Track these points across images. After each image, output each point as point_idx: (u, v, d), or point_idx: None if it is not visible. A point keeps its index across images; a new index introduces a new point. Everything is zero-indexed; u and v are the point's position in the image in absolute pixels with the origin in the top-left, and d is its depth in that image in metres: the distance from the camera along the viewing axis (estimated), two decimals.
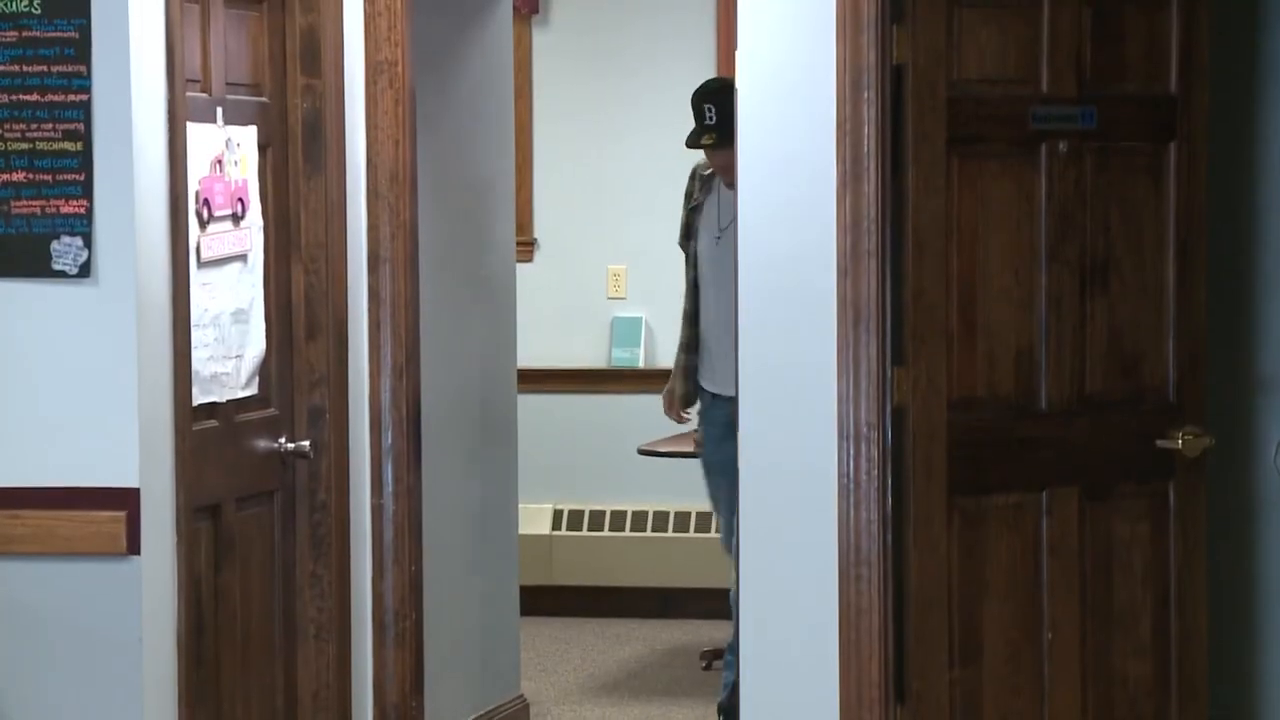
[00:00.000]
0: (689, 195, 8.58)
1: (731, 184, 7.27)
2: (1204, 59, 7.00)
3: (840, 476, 6.43)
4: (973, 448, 6.61)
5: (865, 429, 6.45)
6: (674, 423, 9.32)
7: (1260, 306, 7.72)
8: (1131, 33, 6.87)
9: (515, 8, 8.23)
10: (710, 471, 8.88)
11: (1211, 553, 7.19)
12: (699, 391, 8.90)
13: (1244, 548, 7.73)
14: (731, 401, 7.04)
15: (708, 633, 9.24)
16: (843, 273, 6.44)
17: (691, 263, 8.65)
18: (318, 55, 6.96)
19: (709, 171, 8.43)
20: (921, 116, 6.50)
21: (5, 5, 5.93)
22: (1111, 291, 6.84)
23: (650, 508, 7.60)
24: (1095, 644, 6.81)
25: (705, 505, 10.24)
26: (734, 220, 6.78)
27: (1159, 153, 6.92)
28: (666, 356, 10.24)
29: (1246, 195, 7.70)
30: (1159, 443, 6.84)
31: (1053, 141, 6.72)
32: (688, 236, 8.71)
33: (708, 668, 9.29)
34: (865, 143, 6.43)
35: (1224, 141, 7.43)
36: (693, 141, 8.40)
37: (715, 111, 7.94)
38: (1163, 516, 6.93)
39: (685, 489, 10.01)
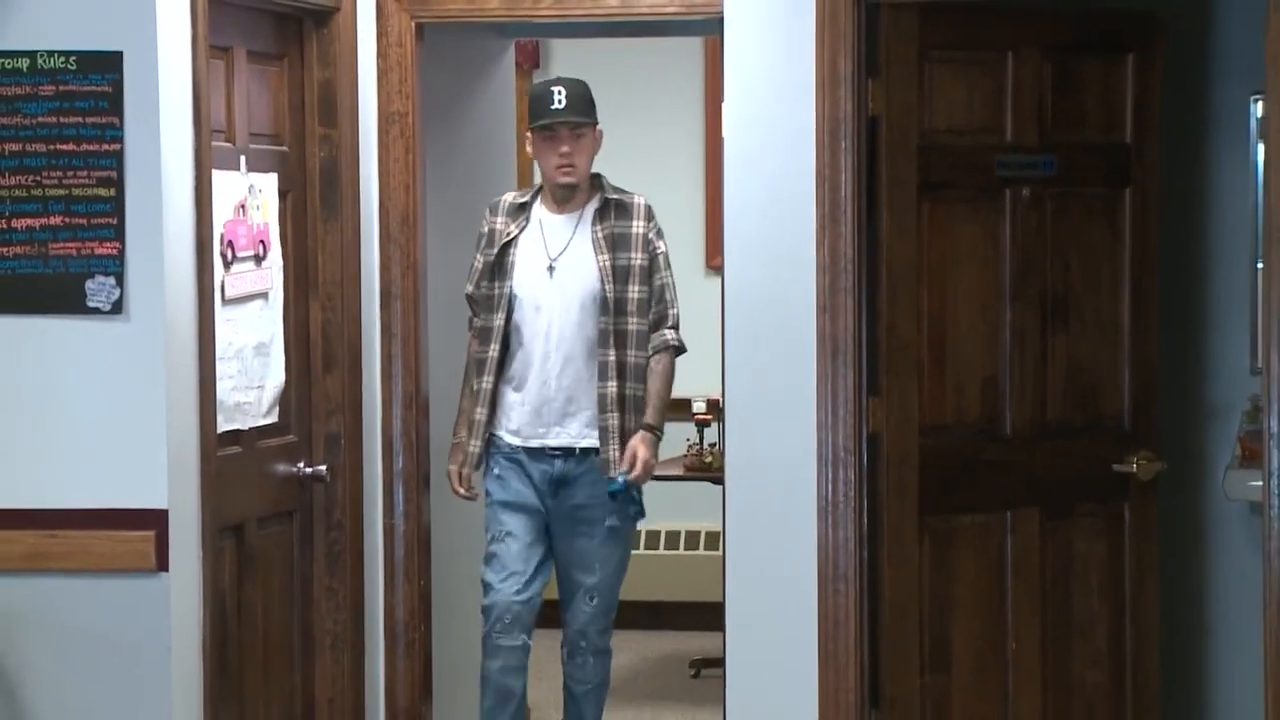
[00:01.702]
0: (492, 234, 6.85)
1: (572, 178, 6.66)
2: (1156, 110, 7.04)
3: (819, 498, 6.45)
4: (942, 471, 6.64)
5: (843, 454, 6.47)
6: (463, 497, 7.14)
7: (1209, 340, 7.71)
8: (1089, 85, 6.92)
9: (517, 63, 8.17)
10: (515, 510, 6.87)
11: (1163, 569, 7.23)
12: (493, 451, 6.95)
13: (1193, 564, 7.72)
14: (559, 456, 6.79)
15: (697, 643, 9.16)
16: (822, 309, 6.45)
17: (499, 306, 6.76)
18: (334, 107, 6.89)
19: (524, 199, 6.88)
20: (895, 164, 6.54)
21: (44, 62, 5.85)
22: (1071, 327, 6.88)
23: (643, 527, 7.36)
24: (1055, 653, 6.85)
25: (695, 524, 10.23)
26: (569, 245, 6.63)
27: (1114, 198, 6.98)
28: None
29: (1197, 237, 7.69)
30: (1115, 467, 6.90)
31: (1016, 188, 6.77)
32: (492, 278, 6.84)
33: (696, 675, 9.23)
34: (843, 189, 6.45)
35: (1175, 187, 7.45)
36: (541, 115, 6.66)
37: (565, 94, 6.61)
38: (1118, 535, 6.98)
39: (675, 509, 9.97)
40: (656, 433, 6.74)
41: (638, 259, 6.60)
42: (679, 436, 9.34)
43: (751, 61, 6.55)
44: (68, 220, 5.94)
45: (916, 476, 6.58)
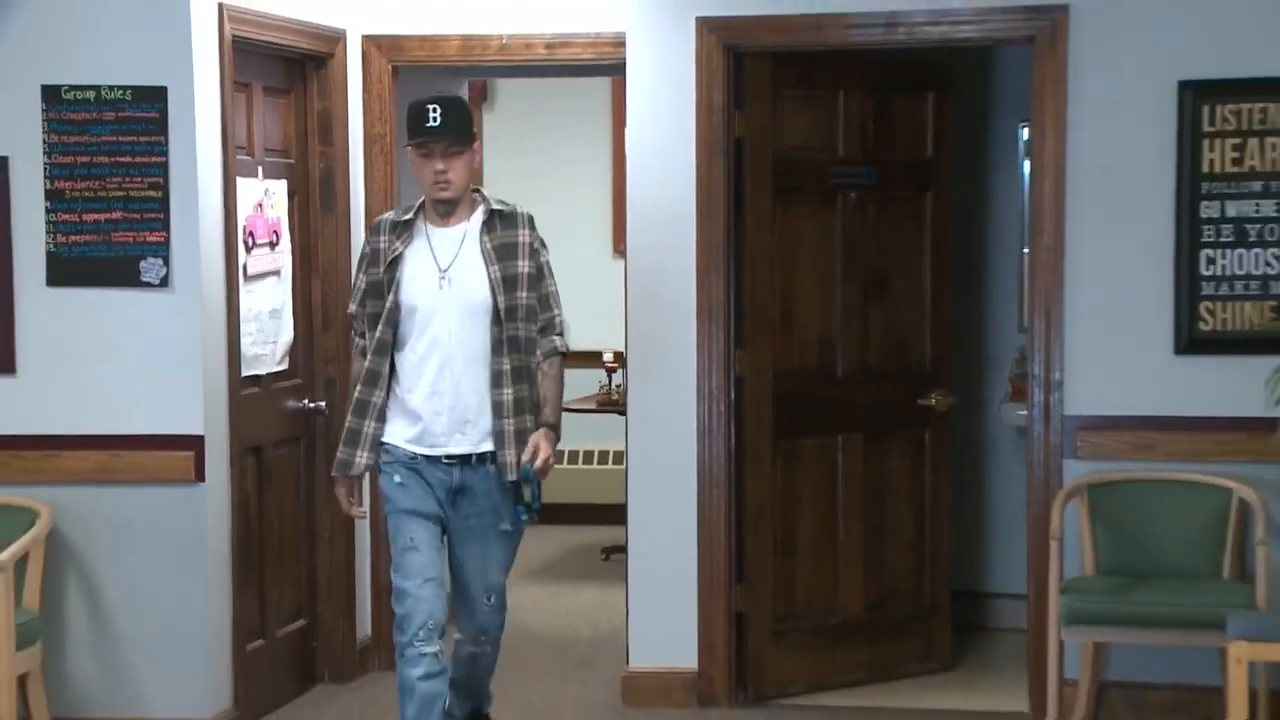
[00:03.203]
0: (376, 253, 5.31)
1: (448, 193, 5.18)
2: (949, 135, 7.09)
3: (698, 425, 6.42)
4: (789, 405, 6.63)
5: (715, 392, 6.46)
6: (354, 515, 5.64)
7: (988, 307, 7.90)
8: (899, 116, 6.93)
9: (470, 96, 8.18)
10: (420, 519, 5.27)
11: (954, 477, 7.29)
12: (390, 460, 5.32)
13: (976, 473, 7.89)
14: (456, 464, 5.23)
15: (607, 535, 9.05)
16: (700, 283, 6.43)
17: (389, 320, 5.21)
18: (330, 130, 6.86)
19: (406, 216, 5.31)
20: (755, 174, 6.52)
21: (106, 94, 5.91)
22: (885, 297, 6.89)
23: (564, 447, 7.25)
24: (872, 542, 6.87)
25: (605, 445, 10.16)
26: (457, 256, 5.22)
27: (918, 200, 6.99)
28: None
29: (979, 230, 7.84)
30: (919, 401, 6.93)
31: (845, 192, 6.76)
32: (380, 295, 5.28)
33: (606, 559, 9.14)
34: (716, 192, 6.42)
35: (964, 192, 7.54)
36: (416, 133, 5.20)
37: (441, 113, 5.16)
38: (921, 453, 7.02)
39: (590, 435, 9.90)
40: (556, 431, 5.34)
41: (525, 267, 5.26)
42: (592, 380, 9.34)
43: (647, 96, 6.51)
44: (125, 215, 5.98)
45: (770, 409, 6.58)
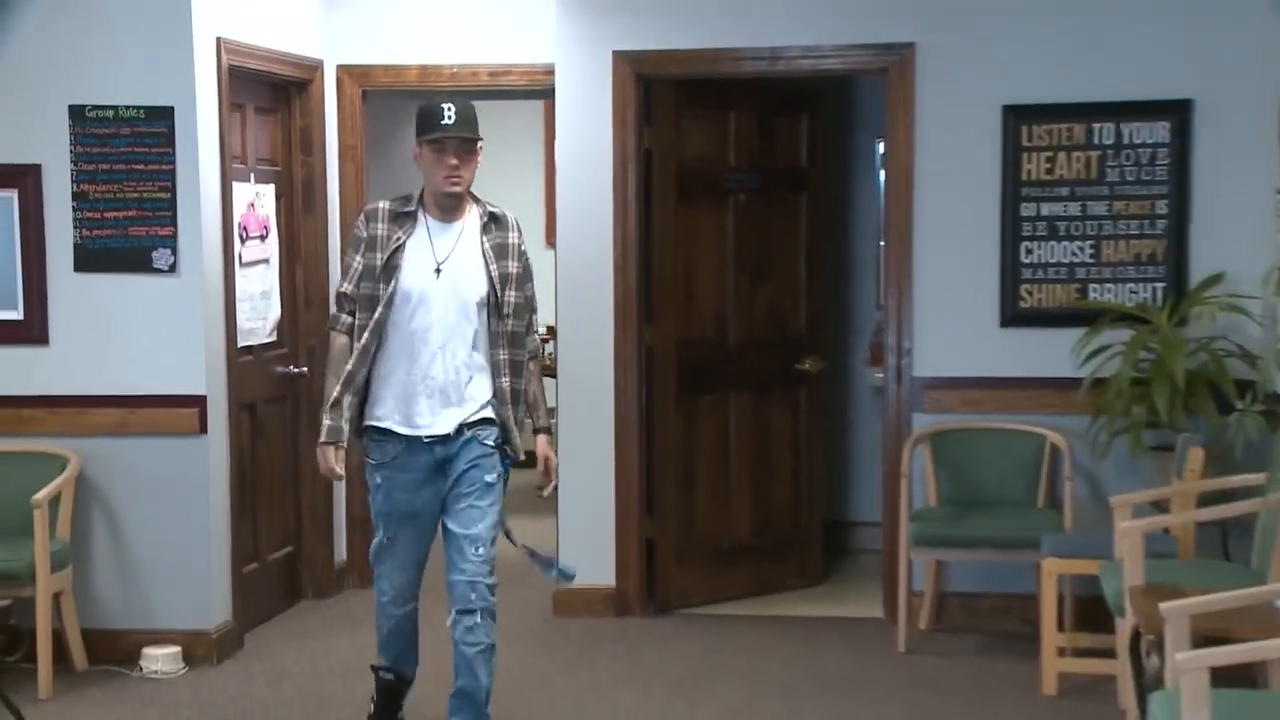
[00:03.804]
0: (374, 239, 4.74)
1: (459, 188, 4.71)
2: (821, 147, 7.07)
3: (615, 386, 6.43)
4: (690, 369, 6.62)
5: (630, 359, 6.46)
6: (335, 476, 4.99)
7: (852, 288, 7.85)
8: (779, 132, 6.90)
9: None
10: (398, 520, 4.81)
11: (824, 427, 7.27)
12: (376, 442, 4.81)
13: (842, 424, 7.85)
14: (439, 442, 4.71)
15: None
16: (617, 270, 6.42)
17: (383, 304, 4.67)
18: (310, 142, 6.84)
19: (406, 208, 4.78)
20: (661, 180, 6.51)
21: (123, 112, 5.86)
22: (768, 280, 6.87)
23: None
24: (759, 482, 6.87)
25: None
26: (453, 251, 4.71)
27: (795, 201, 6.96)
28: None
29: (845, 225, 7.78)
30: (796, 366, 6.91)
31: (736, 195, 6.75)
32: (376, 279, 4.72)
33: (540, 496, 9.12)
34: (630, 195, 6.42)
35: (832, 194, 7.50)
36: (432, 130, 4.69)
37: (455, 111, 4.68)
38: (797, 408, 7.00)
39: None
40: (551, 432, 5.01)
41: (515, 267, 4.78)
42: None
43: (572, 115, 6.48)
44: (140, 213, 5.91)
45: (674, 373, 6.56)
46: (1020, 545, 5.86)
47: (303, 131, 6.84)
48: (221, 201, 6.09)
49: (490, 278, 4.70)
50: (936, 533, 6.06)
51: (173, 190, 5.88)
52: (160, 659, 5.87)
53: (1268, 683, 4.37)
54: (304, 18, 6.79)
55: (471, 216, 4.76)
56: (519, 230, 4.85)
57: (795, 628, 6.43)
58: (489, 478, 4.74)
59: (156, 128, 5.88)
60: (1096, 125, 6.24)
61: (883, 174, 6.86)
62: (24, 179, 5.93)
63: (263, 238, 6.56)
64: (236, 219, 6.26)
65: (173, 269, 5.91)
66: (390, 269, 4.68)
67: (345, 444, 4.80)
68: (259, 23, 6.38)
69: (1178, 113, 6.17)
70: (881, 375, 6.62)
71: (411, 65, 6.94)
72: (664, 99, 6.50)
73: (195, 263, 5.92)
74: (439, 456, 4.72)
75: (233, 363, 6.19)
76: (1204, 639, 3.92)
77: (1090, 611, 5.74)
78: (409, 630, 4.93)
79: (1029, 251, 6.29)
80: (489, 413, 4.75)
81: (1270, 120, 5.87)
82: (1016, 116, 6.25)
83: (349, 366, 4.74)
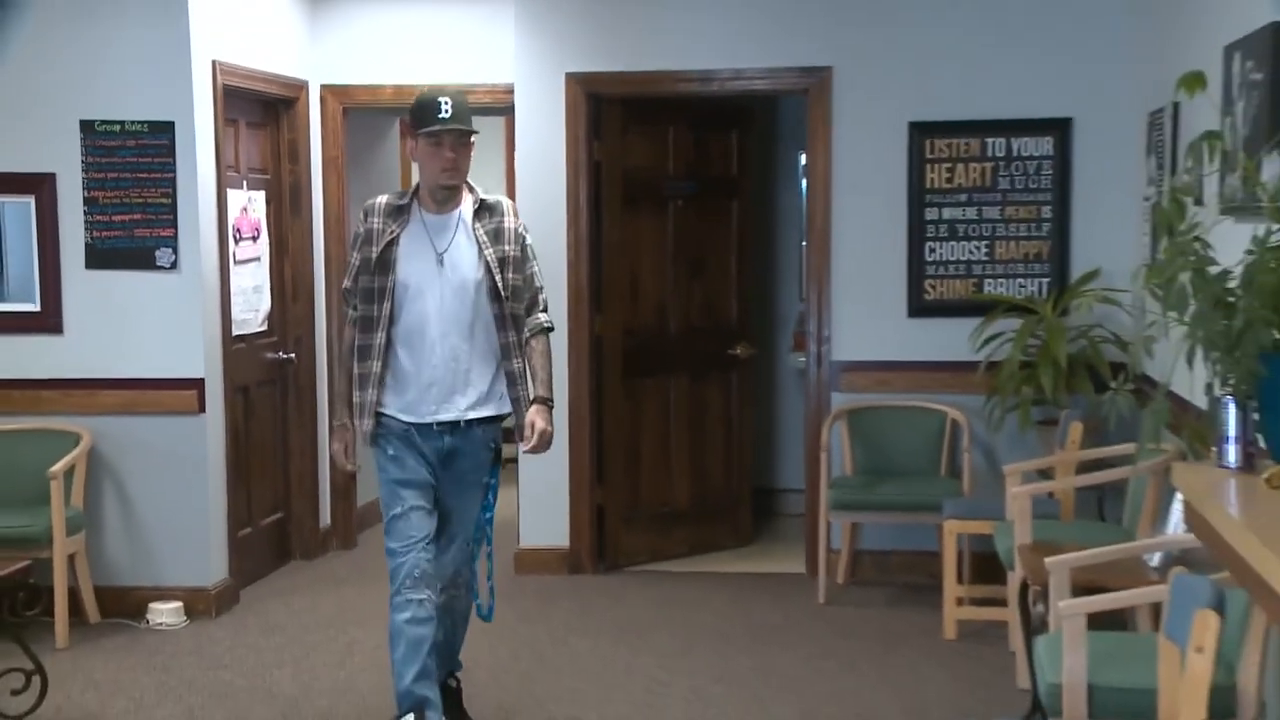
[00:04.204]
0: (371, 233, 4.35)
1: (455, 180, 4.31)
2: (749, 158, 7.07)
3: (569, 370, 6.38)
4: (636, 355, 6.63)
5: (581, 346, 6.45)
6: (349, 469, 4.68)
7: (778, 283, 7.83)
8: (713, 145, 6.91)
9: (400, 129, 8.09)
10: (414, 490, 4.34)
11: (754, 405, 7.27)
12: (385, 427, 4.36)
13: (770, 402, 7.83)
14: (447, 431, 4.32)
15: (505, 450, 9.06)
16: (571, 266, 6.42)
17: (385, 296, 4.30)
18: (297, 153, 6.81)
19: (402, 202, 4.37)
20: (609, 187, 6.51)
21: (129, 127, 5.85)
22: (704, 276, 6.88)
23: None
24: (696, 455, 6.87)
25: None
26: (453, 240, 4.30)
27: (727, 206, 6.98)
28: None
29: (772, 227, 7.78)
30: (729, 351, 6.93)
31: (675, 200, 6.76)
32: (374, 272, 4.32)
33: (503, 467, 9.09)
34: (581, 201, 6.43)
35: (760, 200, 7.51)
36: (430, 123, 4.27)
37: (452, 105, 4.26)
38: (729, 389, 7.01)
39: None
40: (550, 404, 4.42)
41: (513, 250, 4.33)
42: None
43: (530, 130, 6.47)
44: (144, 216, 5.90)
45: (621, 358, 6.57)
46: (925, 509, 5.88)
47: (290, 144, 6.82)
48: (217, 206, 6.06)
49: (487, 263, 4.28)
50: (852, 498, 6.06)
51: (173, 196, 5.86)
52: (165, 613, 5.87)
53: (1136, 626, 4.39)
54: (291, 42, 6.77)
55: (465, 206, 4.35)
56: (514, 214, 4.40)
57: (728, 583, 6.41)
58: (486, 479, 4.43)
59: (159, 140, 5.86)
60: (990, 140, 6.25)
61: (804, 182, 6.84)
62: (40, 186, 5.90)
63: (254, 238, 6.52)
64: (231, 221, 6.23)
65: (174, 266, 5.88)
66: (385, 262, 4.29)
67: (366, 443, 4.35)
68: (251, 47, 6.36)
69: (1060, 129, 6.21)
70: (803, 360, 6.59)
71: (387, 85, 6.94)
72: (611, 116, 6.49)
73: (194, 261, 5.88)
74: (447, 445, 4.33)
75: (228, 350, 6.15)
76: (1082, 589, 3.93)
77: (985, 566, 5.72)
78: (425, 646, 4.24)
79: (932, 250, 6.31)
80: (492, 408, 4.38)
81: (1138, 136, 5.91)
82: (921, 132, 6.26)
83: (356, 367, 4.36)
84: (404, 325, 4.31)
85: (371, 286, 4.31)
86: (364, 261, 4.33)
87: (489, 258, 4.29)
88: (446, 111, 4.23)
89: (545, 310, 4.47)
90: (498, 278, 4.29)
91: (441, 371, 4.30)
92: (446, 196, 4.34)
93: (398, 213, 4.34)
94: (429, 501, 4.33)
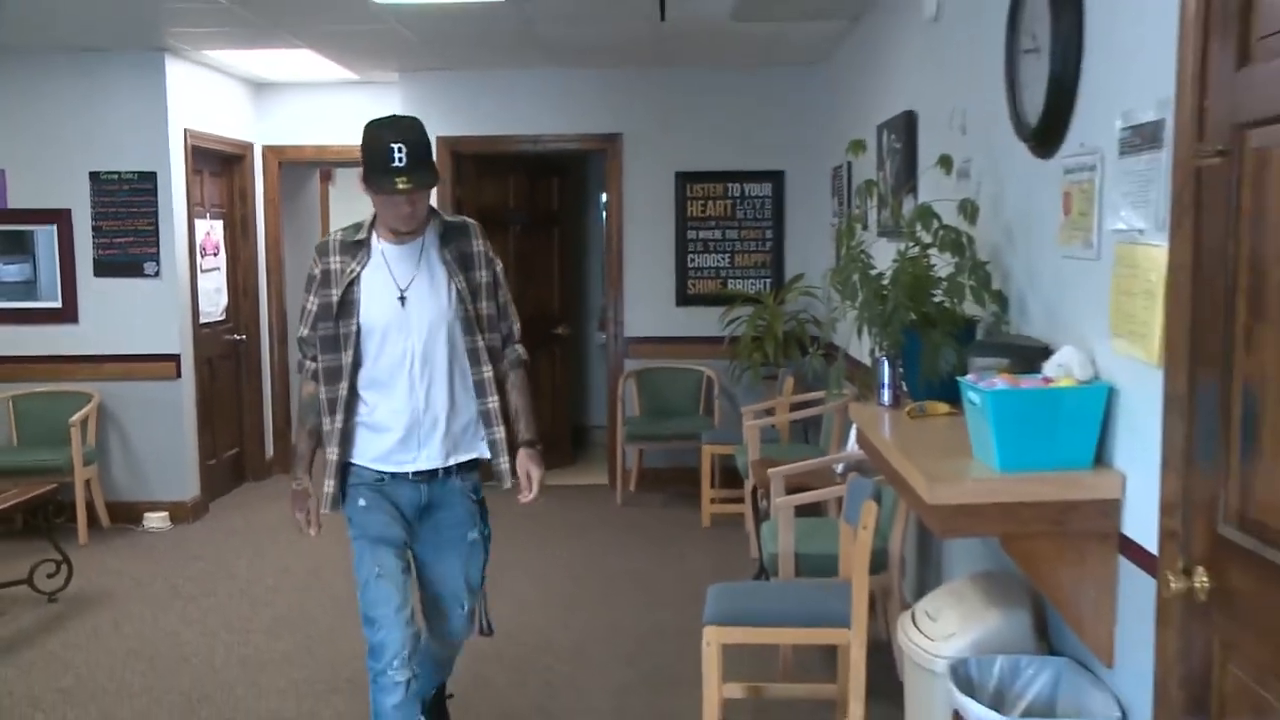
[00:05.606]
0: (328, 274, 2.87)
1: (413, 225, 2.85)
2: (567, 198, 7.11)
3: None
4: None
5: None
6: (311, 533, 2.97)
7: (587, 284, 7.82)
8: (539, 188, 6.86)
9: (320, 177, 7.64)
10: (386, 546, 2.89)
11: (571, 369, 7.24)
12: (354, 481, 2.91)
13: (583, 367, 7.79)
14: (424, 480, 2.92)
15: None
16: None
17: (347, 345, 2.84)
18: (246, 195, 6.69)
19: (358, 236, 2.87)
20: (468, 217, 6.56)
21: (124, 176, 5.82)
22: (535, 280, 6.83)
23: None
24: (533, 402, 6.77)
25: None
26: (417, 273, 2.87)
27: (551, 231, 6.96)
28: None
29: (582, 246, 7.77)
30: (553, 331, 6.90)
31: (514, 228, 6.71)
32: (334, 318, 2.85)
33: None
34: None
35: (574, 228, 7.53)
36: (384, 185, 2.73)
37: (406, 153, 2.70)
38: (555, 358, 6.95)
39: None
40: (539, 446, 3.05)
41: (484, 276, 2.95)
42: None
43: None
44: (135, 239, 5.85)
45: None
46: (689, 438, 5.90)
47: (240, 188, 6.73)
48: (188, 231, 6.00)
49: (458, 292, 2.90)
50: (639, 431, 6.03)
51: (156, 224, 5.83)
52: (156, 520, 5.89)
53: (827, 512, 4.39)
54: (241, 115, 6.70)
55: (429, 232, 2.92)
56: (481, 236, 2.99)
57: (553, 493, 6.27)
58: (472, 535, 3.00)
59: (145, 185, 5.84)
60: (730, 184, 6.28)
61: (604, 214, 6.74)
62: (61, 218, 5.87)
63: (215, 254, 6.46)
64: (198, 242, 6.17)
65: (157, 274, 5.87)
66: (347, 304, 2.87)
67: (328, 507, 2.93)
68: (212, 118, 6.29)
69: (776, 178, 6.28)
70: (605, 336, 6.56)
71: (309, 145, 6.89)
72: (468, 167, 6.43)
73: (171, 270, 5.86)
74: (424, 497, 2.94)
75: (197, 333, 6.10)
76: (792, 489, 3.91)
77: (729, 476, 5.83)
78: (413, 709, 2.86)
79: (692, 260, 6.37)
80: (473, 451, 2.97)
81: (826, 183, 5.94)
82: (683, 179, 6.30)
83: (313, 420, 2.97)
84: (371, 372, 2.89)
85: (334, 334, 2.89)
86: (323, 307, 2.89)
87: (459, 286, 2.90)
88: (401, 160, 2.73)
89: (519, 341, 3.07)
90: (470, 307, 2.92)
91: (422, 414, 2.89)
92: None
93: (355, 248, 2.90)
94: (404, 561, 2.91)
